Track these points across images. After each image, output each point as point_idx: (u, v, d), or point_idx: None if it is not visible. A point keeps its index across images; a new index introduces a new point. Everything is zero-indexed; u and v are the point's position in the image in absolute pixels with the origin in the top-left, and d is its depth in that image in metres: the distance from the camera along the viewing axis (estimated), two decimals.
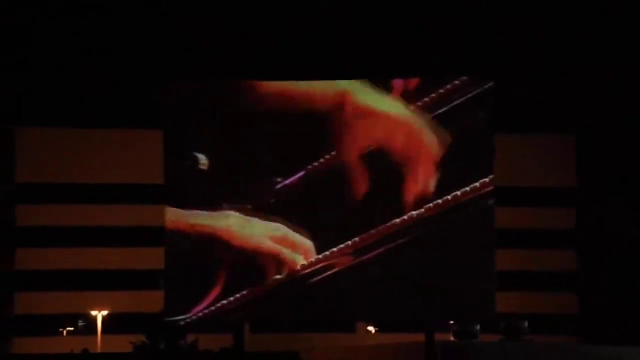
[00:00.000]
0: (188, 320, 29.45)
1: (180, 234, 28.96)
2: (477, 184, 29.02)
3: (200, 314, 29.38)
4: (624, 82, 65.37)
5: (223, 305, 29.19)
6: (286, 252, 27.95)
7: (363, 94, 27.45)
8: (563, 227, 69.15)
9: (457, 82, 29.62)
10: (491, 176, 29.59)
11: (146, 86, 61.60)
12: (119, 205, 67.21)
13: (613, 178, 67.11)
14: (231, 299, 29.30)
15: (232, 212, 28.22)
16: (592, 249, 67.77)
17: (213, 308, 29.28)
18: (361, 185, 28.03)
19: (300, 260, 28.33)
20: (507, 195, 64.37)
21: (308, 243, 28.01)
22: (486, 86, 29.91)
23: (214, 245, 28.52)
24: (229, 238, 28.18)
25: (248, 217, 28.25)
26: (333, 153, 28.53)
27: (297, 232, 28.49)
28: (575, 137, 69.33)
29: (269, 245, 27.91)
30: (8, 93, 65.44)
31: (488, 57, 61.97)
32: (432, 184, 28.19)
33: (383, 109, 27.19)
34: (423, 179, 27.78)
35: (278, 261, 28.25)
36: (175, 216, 28.70)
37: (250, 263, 28.46)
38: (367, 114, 27.44)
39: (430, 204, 28.99)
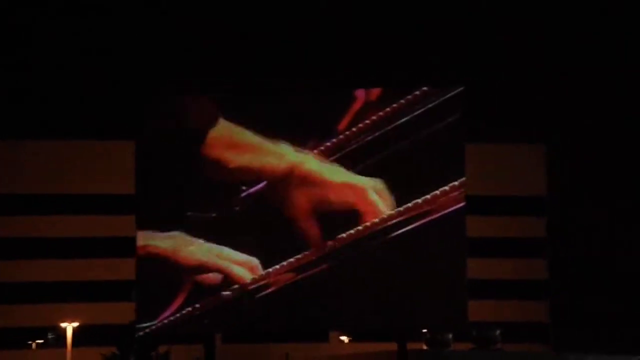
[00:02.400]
0: (157, 326, 29.72)
1: (141, 254, 30.21)
2: (447, 187, 29.26)
3: (166, 321, 29.70)
4: (593, 92, 65.93)
5: (189, 312, 29.61)
6: (234, 267, 29.16)
7: (310, 165, 29.43)
8: (534, 235, 69.49)
9: (421, 91, 29.97)
10: (462, 179, 29.77)
11: (118, 98, 61.44)
12: (88, 216, 66.75)
13: (583, 187, 67.58)
14: (197, 305, 29.68)
15: (180, 233, 29.64)
16: (563, 257, 68.16)
17: (179, 315, 29.71)
18: (314, 232, 29.59)
19: (249, 277, 29.33)
20: (478, 204, 64.63)
21: (255, 261, 29.25)
22: (456, 91, 30.14)
23: (168, 265, 29.73)
24: (178, 258, 29.72)
25: (196, 240, 29.58)
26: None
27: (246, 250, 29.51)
28: (545, 146, 69.77)
29: (215, 260, 29.44)
30: None
31: (459, 67, 62.30)
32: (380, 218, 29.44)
33: (326, 177, 29.26)
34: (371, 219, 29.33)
35: (227, 275, 29.40)
36: (140, 237, 30.12)
37: (204, 280, 29.50)
38: (313, 181, 29.38)
39: (401, 208, 29.25)
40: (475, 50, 64.40)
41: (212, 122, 29.45)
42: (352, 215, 29.42)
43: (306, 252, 29.35)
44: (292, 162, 29.33)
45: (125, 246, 54.64)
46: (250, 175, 29.58)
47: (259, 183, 29.70)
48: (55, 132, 66.54)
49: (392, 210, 29.29)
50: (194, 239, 29.41)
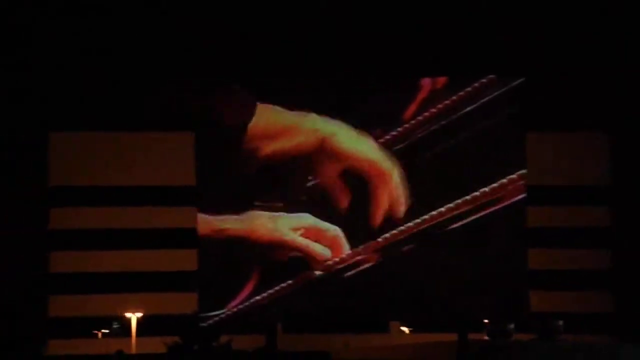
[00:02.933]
0: (222, 315, 29.85)
1: (211, 239, 29.83)
2: (511, 176, 29.02)
3: (235, 309, 29.79)
4: None
5: (256, 301, 29.61)
6: (314, 246, 28.83)
7: (341, 138, 29.43)
8: (598, 225, 68.51)
9: (486, 79, 29.77)
10: (524, 170, 29.50)
11: (176, 89, 61.89)
12: (151, 208, 67.53)
13: None
14: (264, 294, 29.66)
15: (258, 212, 29.19)
16: (628, 247, 67.08)
17: (247, 304, 29.71)
18: (343, 200, 29.45)
19: (329, 254, 28.93)
20: (542, 194, 63.85)
21: (337, 230, 28.84)
22: (517, 82, 29.88)
23: (244, 246, 29.31)
24: (256, 237, 29.21)
25: (274, 214, 29.12)
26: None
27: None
28: (610, 135, 68.68)
29: (294, 238, 28.99)
30: (41, 97, 66.03)
31: (519, 55, 61.54)
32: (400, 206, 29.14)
33: (358, 150, 29.23)
34: (388, 200, 29.07)
35: (307, 254, 29.02)
36: (206, 223, 29.68)
37: (280, 260, 29.08)
38: (342, 155, 29.34)
39: (468, 197, 29.08)
40: (537, 37, 63.56)
41: (251, 115, 29.47)
42: (366, 189, 29.10)
43: (371, 242, 29.28)
44: (322, 136, 29.24)
45: (188, 237, 55.17)
46: (284, 157, 29.55)
47: (294, 164, 29.68)
48: (119, 125, 67.40)
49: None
50: (272, 214, 29.01)
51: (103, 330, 67.54)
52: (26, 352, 59.70)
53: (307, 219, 28.90)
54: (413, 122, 29.55)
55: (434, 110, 29.44)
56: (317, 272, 29.01)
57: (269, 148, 29.15)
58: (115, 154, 67.93)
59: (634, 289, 65.82)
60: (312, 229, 28.81)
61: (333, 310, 29.95)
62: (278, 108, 29.28)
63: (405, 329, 67.94)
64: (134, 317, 65.43)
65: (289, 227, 28.91)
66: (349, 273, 29.07)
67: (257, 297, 29.33)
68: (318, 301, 29.52)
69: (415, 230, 28.95)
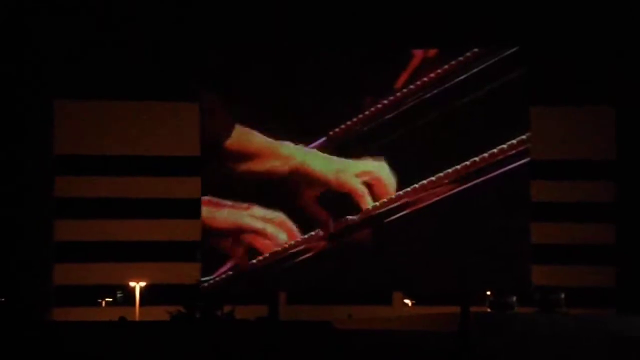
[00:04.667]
0: (216, 279, 29.74)
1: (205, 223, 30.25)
2: (510, 143, 28.71)
3: (224, 276, 29.75)
4: None
5: (251, 264, 29.58)
6: (269, 227, 29.26)
7: (317, 164, 29.65)
8: (602, 200, 68.53)
9: (479, 49, 29.52)
10: (527, 135, 29.18)
11: (183, 59, 61.85)
12: (156, 178, 67.66)
13: None
14: (257, 259, 29.66)
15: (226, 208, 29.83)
16: (632, 222, 67.12)
17: (238, 269, 29.72)
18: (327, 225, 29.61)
19: (284, 237, 29.31)
20: (546, 168, 63.86)
21: (283, 217, 29.28)
22: (510, 51, 29.54)
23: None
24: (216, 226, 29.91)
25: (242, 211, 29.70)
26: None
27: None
28: (616, 109, 68.52)
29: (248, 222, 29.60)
30: (47, 65, 65.99)
31: (523, 28, 61.29)
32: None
33: (332, 176, 29.45)
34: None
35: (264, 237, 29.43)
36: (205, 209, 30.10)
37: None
38: (318, 180, 29.58)
39: (467, 162, 28.85)
40: (543, 10, 63.31)
41: (228, 133, 29.57)
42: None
43: (367, 208, 29.18)
44: (295, 164, 29.42)
45: (192, 207, 55.31)
46: (257, 177, 29.68)
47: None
48: (125, 93, 67.40)
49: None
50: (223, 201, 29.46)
51: (107, 299, 67.91)
52: (31, 319, 60.07)
53: (256, 209, 29.39)
54: (405, 90, 29.32)
55: (425, 79, 29.19)
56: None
57: (240, 168, 29.42)
58: (120, 123, 67.95)
59: (636, 264, 65.93)
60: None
61: (333, 280, 29.99)
62: (254, 132, 29.41)
63: (408, 302, 68.18)
64: (137, 286, 65.76)
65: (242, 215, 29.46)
66: (342, 244, 29.14)
67: (253, 261, 29.38)
68: (316, 272, 29.55)
69: (409, 199, 28.76)
